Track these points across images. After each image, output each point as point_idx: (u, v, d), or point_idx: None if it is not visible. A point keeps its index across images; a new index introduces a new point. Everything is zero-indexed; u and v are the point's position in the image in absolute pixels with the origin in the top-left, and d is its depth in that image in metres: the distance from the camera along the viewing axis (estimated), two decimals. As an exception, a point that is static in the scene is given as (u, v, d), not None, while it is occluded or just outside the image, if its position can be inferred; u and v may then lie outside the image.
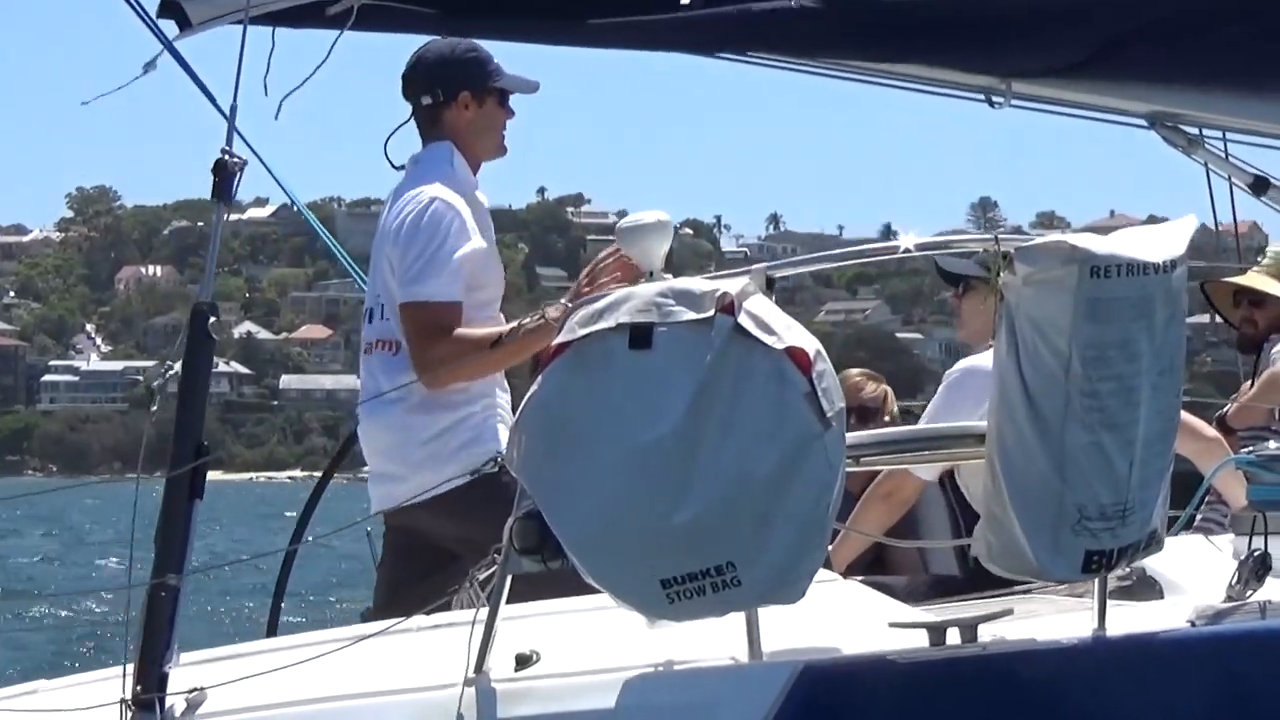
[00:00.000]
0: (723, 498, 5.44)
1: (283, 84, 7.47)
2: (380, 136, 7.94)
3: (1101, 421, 5.63)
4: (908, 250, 6.43)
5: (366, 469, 7.86)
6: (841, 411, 5.54)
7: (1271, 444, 7.29)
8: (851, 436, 5.78)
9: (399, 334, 7.59)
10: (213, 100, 7.80)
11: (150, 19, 8.21)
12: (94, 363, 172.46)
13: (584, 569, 5.64)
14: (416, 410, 7.57)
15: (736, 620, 5.68)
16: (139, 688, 6.20)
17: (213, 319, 6.63)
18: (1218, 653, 6.24)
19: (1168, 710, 6.11)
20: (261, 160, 7.61)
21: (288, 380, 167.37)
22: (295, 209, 9.26)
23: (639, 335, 5.51)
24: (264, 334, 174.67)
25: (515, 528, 5.76)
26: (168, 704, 6.22)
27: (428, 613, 6.40)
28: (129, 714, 6.18)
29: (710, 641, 5.78)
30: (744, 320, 5.46)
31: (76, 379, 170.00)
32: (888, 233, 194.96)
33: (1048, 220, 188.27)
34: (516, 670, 5.91)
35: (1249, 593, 6.37)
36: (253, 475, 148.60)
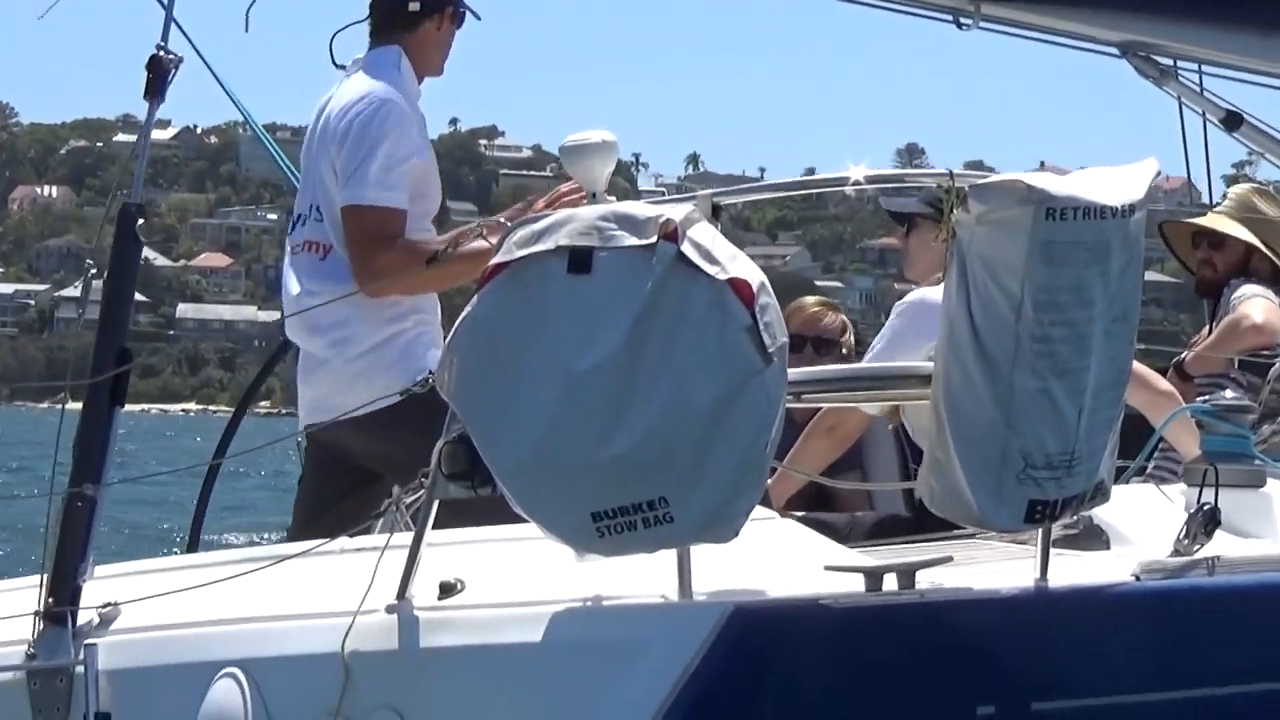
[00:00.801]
0: (658, 430, 5.34)
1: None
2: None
3: (1051, 368, 5.51)
4: (858, 182, 6.42)
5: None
6: (784, 346, 5.39)
7: (1228, 393, 7.30)
8: (793, 373, 5.62)
9: (332, 237, 7.52)
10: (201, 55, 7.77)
11: None
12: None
13: (512, 498, 5.52)
14: (348, 323, 7.51)
15: (668, 557, 5.57)
16: (51, 600, 6.26)
17: (140, 220, 6.81)
18: (1161, 608, 6.20)
19: (1108, 665, 6.01)
20: (204, 59, 7.53)
21: (184, 309, 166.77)
22: (242, 125, 9.09)
23: (578, 259, 5.41)
24: (161, 260, 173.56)
25: (444, 451, 5.66)
26: (80, 618, 6.26)
27: (351, 535, 6.34)
28: (39, 626, 6.22)
29: (640, 578, 5.67)
30: (687, 248, 5.34)
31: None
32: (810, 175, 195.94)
33: (975, 167, 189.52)
34: (440, 598, 5.85)
35: (1196, 547, 6.29)
36: (146, 407, 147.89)
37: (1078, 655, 6.03)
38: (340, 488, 7.73)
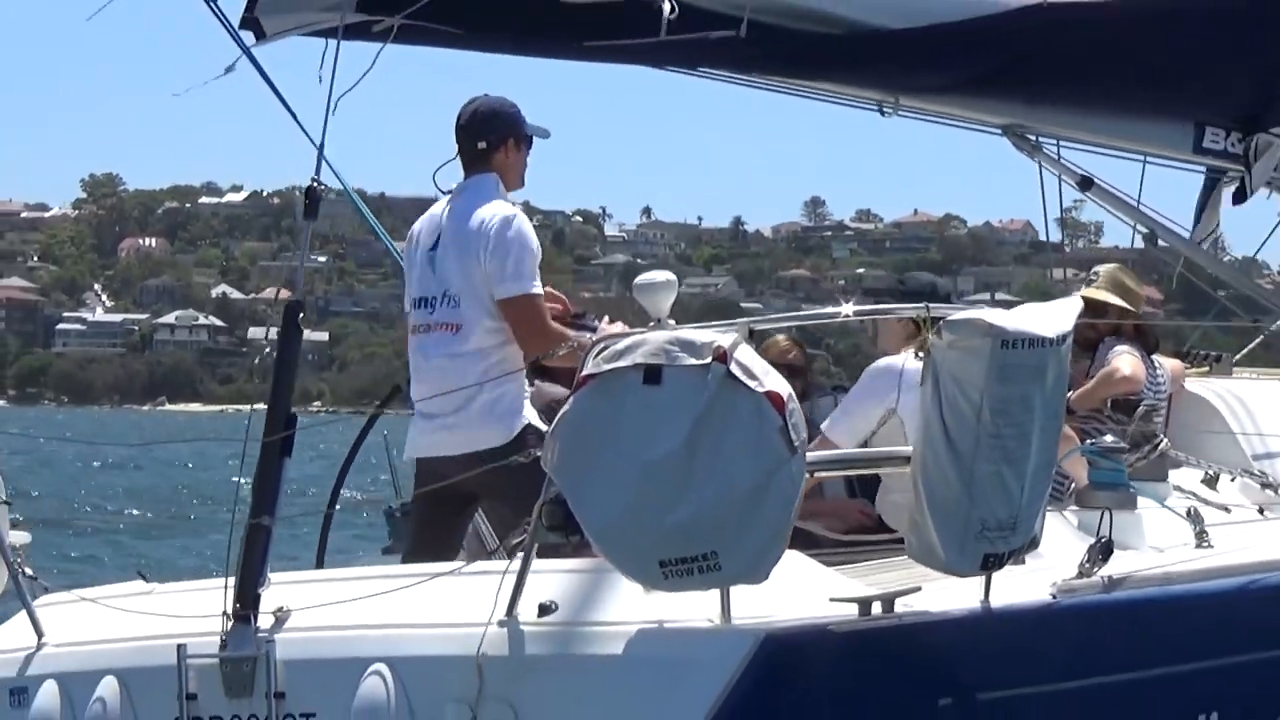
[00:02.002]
0: (711, 503, 5.70)
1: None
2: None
3: (1003, 457, 5.90)
4: (848, 315, 6.57)
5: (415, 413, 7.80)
6: (804, 440, 5.72)
7: (1108, 437, 7.49)
8: (811, 456, 6.08)
9: (463, 318, 7.58)
10: (290, 110, 7.72)
11: (232, 28, 8.14)
12: (99, 315, 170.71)
13: (599, 549, 5.87)
14: (482, 377, 7.55)
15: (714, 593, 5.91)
16: (238, 604, 6.36)
17: (301, 314, 6.79)
18: (1073, 618, 6.52)
19: (1035, 662, 6.39)
20: (346, 187, 7.54)
21: (254, 331, 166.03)
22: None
23: (651, 374, 5.80)
24: (236, 294, 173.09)
25: (545, 510, 6.01)
26: (260, 619, 6.36)
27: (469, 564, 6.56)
28: (229, 624, 6.33)
29: (689, 606, 5.97)
30: (734, 368, 5.75)
31: (85, 328, 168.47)
32: (738, 223, 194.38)
33: (864, 215, 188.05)
34: (539, 616, 6.10)
35: (1096, 570, 6.63)
36: (224, 407, 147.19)
37: (1012, 656, 6.40)
38: (450, 514, 7.70)
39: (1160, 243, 10.49)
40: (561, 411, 5.89)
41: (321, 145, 6.84)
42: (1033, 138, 10.03)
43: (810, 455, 5.97)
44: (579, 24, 8.64)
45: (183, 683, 6.32)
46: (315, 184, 6.80)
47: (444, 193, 7.86)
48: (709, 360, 5.68)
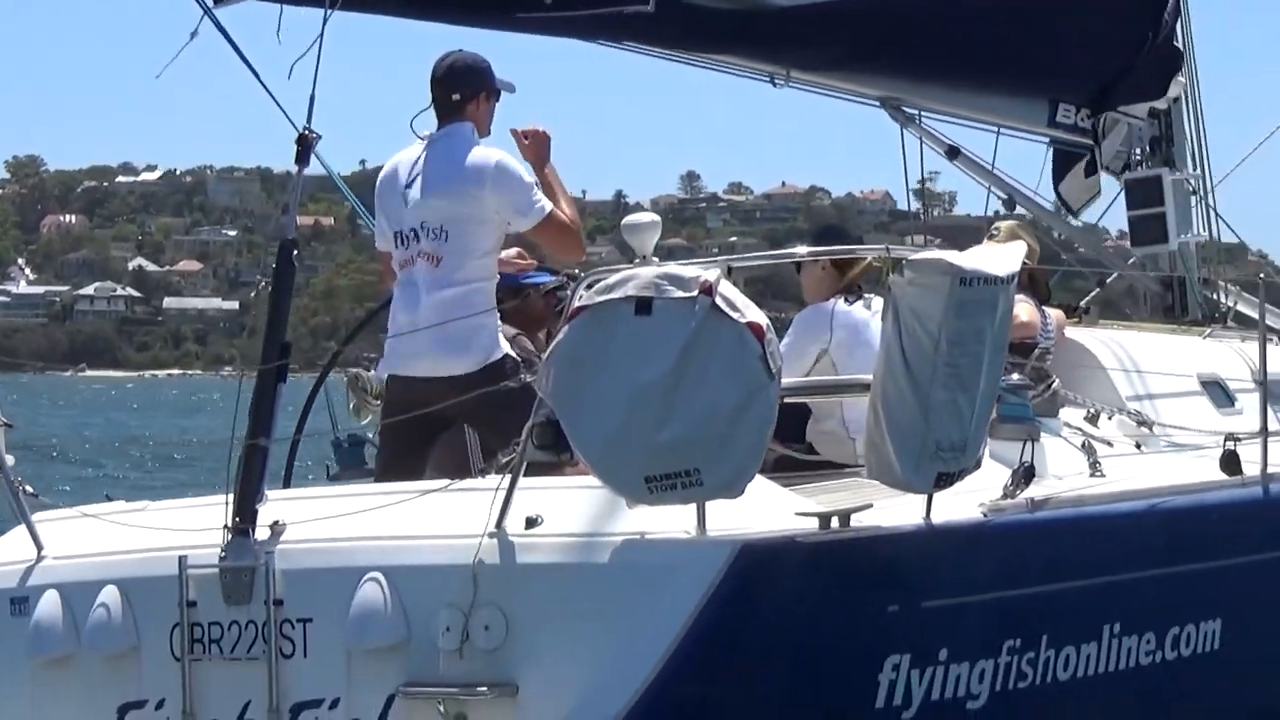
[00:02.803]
0: (695, 423, 5.73)
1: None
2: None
3: (957, 384, 5.99)
4: (805, 257, 6.57)
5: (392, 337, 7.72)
6: (781, 367, 5.77)
7: (1015, 376, 7.60)
8: (786, 382, 6.11)
9: (446, 251, 7.51)
10: (256, 74, 7.62)
11: None
12: (23, 287, 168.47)
13: (589, 465, 5.88)
14: (462, 306, 7.47)
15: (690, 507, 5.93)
16: (237, 518, 6.32)
17: (295, 253, 6.68)
18: (1001, 534, 6.65)
19: (970, 573, 6.51)
20: (321, 161, 7.46)
21: (169, 302, 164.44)
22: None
23: (642, 305, 5.85)
24: (151, 266, 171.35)
25: (535, 430, 5.95)
26: (258, 532, 6.32)
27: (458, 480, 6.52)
28: (228, 537, 6.30)
29: (665, 518, 5.98)
30: (719, 300, 5.79)
31: (9, 299, 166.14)
32: (620, 196, 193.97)
33: (736, 188, 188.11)
34: (526, 529, 6.10)
35: (1019, 492, 6.73)
36: (141, 373, 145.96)
37: (950, 567, 6.49)
38: (423, 435, 7.57)
39: (1017, 209, 10.79)
40: (555, 339, 5.89)
41: (312, 99, 6.75)
42: (906, 110, 10.22)
43: (785, 381, 6.00)
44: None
45: (184, 590, 6.28)
46: (307, 131, 6.72)
47: (421, 137, 7.75)
48: (696, 293, 5.71)
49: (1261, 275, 9.23)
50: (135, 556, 6.54)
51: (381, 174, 7.82)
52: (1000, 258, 6.02)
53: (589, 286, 5.88)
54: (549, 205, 7.55)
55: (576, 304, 5.84)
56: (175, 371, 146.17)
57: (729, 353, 5.68)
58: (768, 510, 6.14)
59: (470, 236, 7.47)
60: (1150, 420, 8.26)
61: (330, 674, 6.18)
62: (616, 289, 5.79)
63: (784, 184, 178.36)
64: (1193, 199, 10.71)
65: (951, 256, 5.92)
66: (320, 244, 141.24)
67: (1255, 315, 10.50)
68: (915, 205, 12.27)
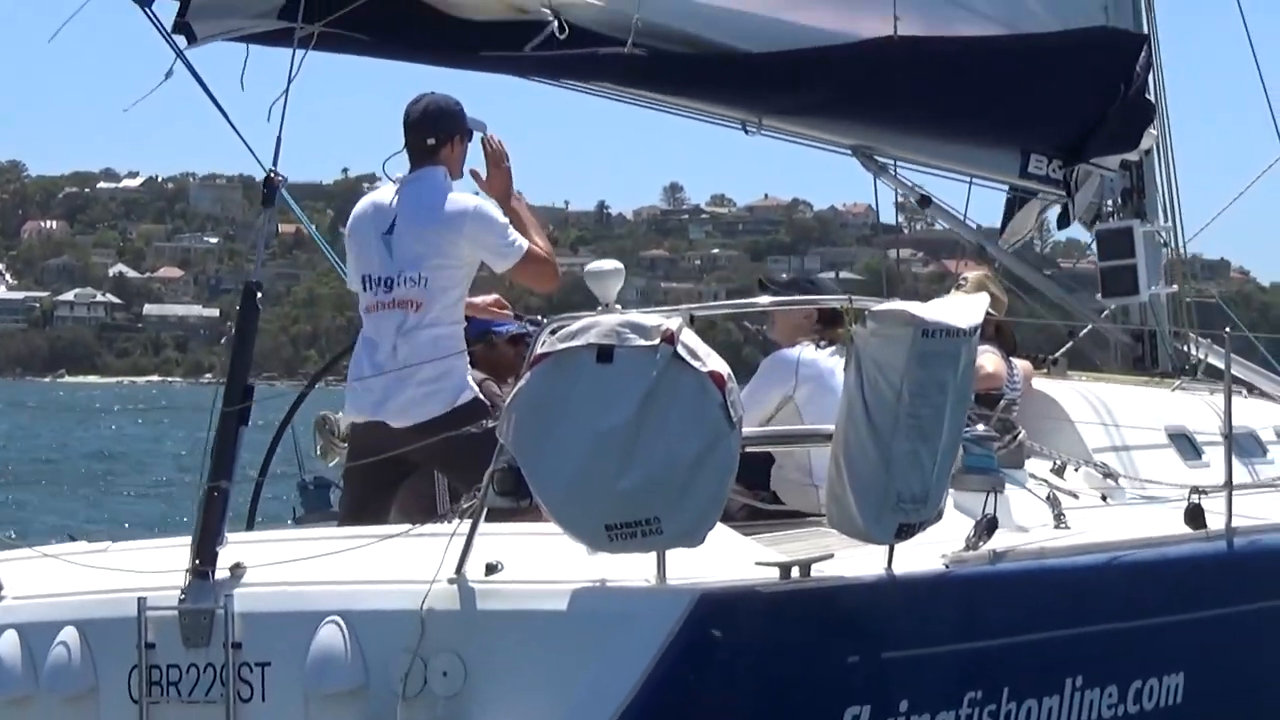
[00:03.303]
0: (655, 472, 5.72)
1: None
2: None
3: (919, 436, 5.96)
4: (769, 307, 6.59)
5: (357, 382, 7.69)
6: (742, 416, 5.74)
7: (980, 427, 7.57)
8: (746, 431, 6.10)
9: (426, 296, 7.50)
10: (224, 113, 7.70)
11: (166, 32, 8.06)
12: (2, 292, 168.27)
13: (550, 513, 5.84)
14: (436, 351, 7.50)
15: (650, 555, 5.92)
16: (197, 560, 6.29)
17: (259, 294, 6.67)
18: (962, 586, 6.63)
19: (930, 625, 6.47)
20: (288, 199, 7.44)
21: (149, 308, 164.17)
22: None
23: (604, 353, 5.83)
24: (132, 273, 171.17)
25: (496, 475, 5.94)
26: (218, 574, 6.30)
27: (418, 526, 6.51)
28: (188, 579, 6.28)
29: (625, 566, 5.97)
30: (680, 349, 5.77)
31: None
32: (602, 207, 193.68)
33: (719, 199, 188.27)
34: (486, 575, 6.08)
35: (982, 544, 6.71)
36: (121, 379, 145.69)
37: (912, 619, 6.46)
38: (388, 479, 7.56)
39: (989, 252, 10.82)
40: (517, 386, 5.87)
41: (278, 141, 6.76)
42: (878, 159, 10.23)
43: (747, 431, 5.99)
44: (476, 39, 8.72)
45: (142, 634, 6.26)
46: (272, 175, 6.72)
47: (392, 180, 7.76)
48: (658, 341, 5.70)
49: (1227, 330, 9.22)
50: (95, 598, 6.50)
51: (353, 216, 7.80)
52: (963, 310, 6.00)
53: (552, 333, 5.86)
54: (524, 243, 7.59)
55: (539, 351, 5.82)
56: (155, 378, 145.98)
57: (690, 401, 5.66)
58: (729, 559, 6.11)
59: (448, 281, 7.50)
60: (1116, 473, 8.26)
61: (288, 718, 6.13)
62: (578, 336, 5.77)
63: (766, 196, 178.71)
64: (1164, 251, 10.71)
65: (914, 308, 5.92)
66: (302, 252, 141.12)
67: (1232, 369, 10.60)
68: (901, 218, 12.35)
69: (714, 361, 5.73)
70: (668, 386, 5.66)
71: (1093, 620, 7.06)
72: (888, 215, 10.81)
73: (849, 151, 10.18)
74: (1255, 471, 9.33)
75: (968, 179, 10.56)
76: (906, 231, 11.10)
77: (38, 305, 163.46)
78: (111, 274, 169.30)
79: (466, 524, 6.06)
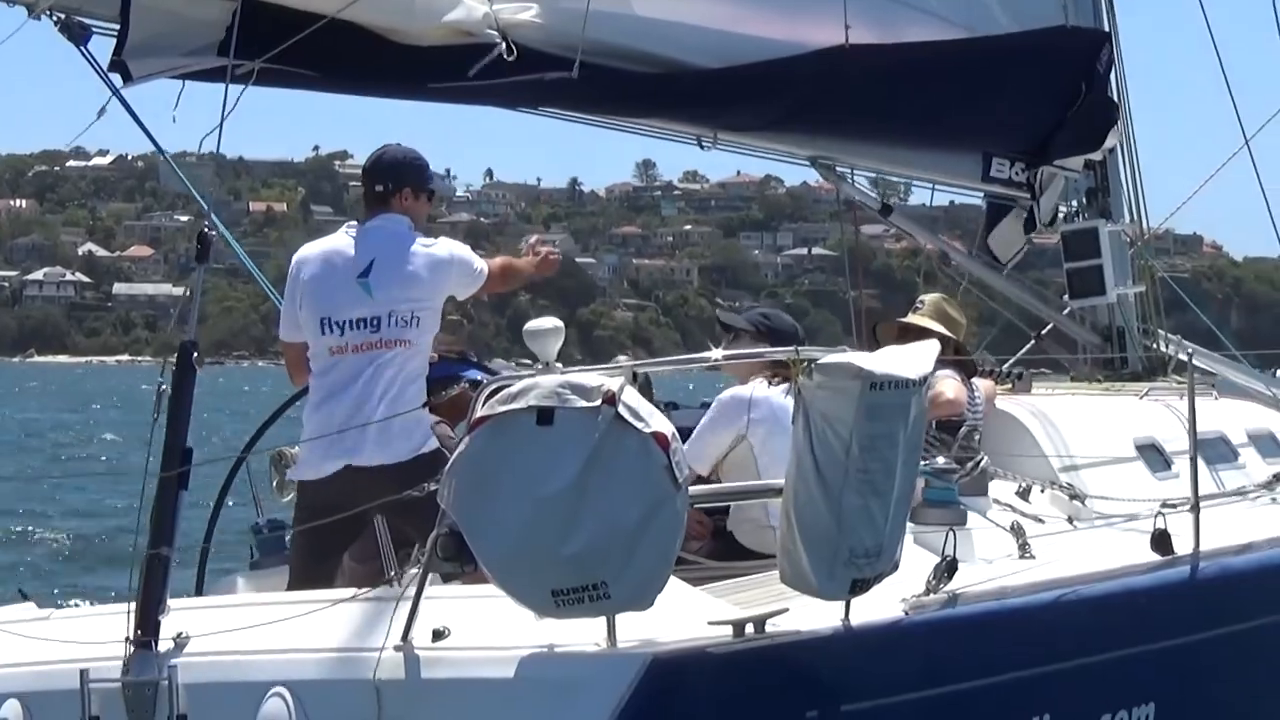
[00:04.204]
0: (600, 536, 5.58)
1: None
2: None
3: (870, 490, 5.82)
4: (719, 360, 6.50)
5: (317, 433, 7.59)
6: (689, 476, 5.62)
7: (940, 459, 7.45)
8: (694, 490, 6.00)
9: (415, 336, 7.47)
10: (160, 149, 7.59)
11: (102, 71, 7.99)
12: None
13: (494, 580, 5.71)
14: (417, 392, 7.49)
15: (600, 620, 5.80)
16: (139, 631, 6.15)
17: (195, 354, 6.49)
18: (923, 632, 6.49)
19: (891, 674, 6.34)
20: (228, 237, 7.36)
21: (119, 287, 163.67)
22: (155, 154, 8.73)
23: (544, 415, 5.67)
24: (102, 252, 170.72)
25: (440, 541, 5.83)
26: (161, 645, 6.15)
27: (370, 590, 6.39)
28: (130, 650, 6.13)
29: (576, 629, 5.85)
30: (622, 409, 5.65)
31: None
32: (575, 184, 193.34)
33: (691, 176, 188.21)
34: (433, 641, 5.96)
35: (942, 586, 6.60)
36: (90, 359, 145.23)
37: (870, 669, 6.32)
38: (339, 539, 7.47)
39: (952, 260, 10.73)
40: (457, 451, 5.73)
41: (210, 198, 6.68)
42: (837, 169, 10.15)
43: (693, 490, 5.87)
44: (423, 66, 8.61)
45: (85, 706, 6.08)
46: (206, 230, 6.63)
47: (347, 226, 7.75)
48: (599, 403, 5.58)
49: (1190, 354, 9.10)
50: (37, 669, 6.40)
51: (305, 261, 7.65)
52: (912, 359, 5.85)
53: (491, 394, 5.72)
54: (483, 265, 7.68)
55: (479, 414, 5.69)
56: (125, 358, 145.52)
57: (633, 464, 5.54)
58: (681, 616, 5.98)
59: (433, 323, 7.53)
60: (1083, 493, 8.13)
61: None
62: (519, 398, 5.63)
63: (739, 173, 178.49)
64: (1129, 249, 10.65)
65: (861, 360, 5.77)
66: (273, 229, 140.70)
67: (1199, 365, 10.50)
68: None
69: (657, 421, 5.61)
70: (610, 449, 5.53)
71: (1058, 658, 6.93)
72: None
73: (807, 162, 10.12)
74: (1226, 479, 9.23)
75: (930, 184, 10.51)
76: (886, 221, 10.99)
77: (7, 285, 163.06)
78: (81, 253, 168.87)
79: (413, 588, 5.92)
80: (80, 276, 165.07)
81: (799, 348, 5.92)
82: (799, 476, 5.81)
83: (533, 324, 6.48)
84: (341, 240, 7.63)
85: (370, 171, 7.71)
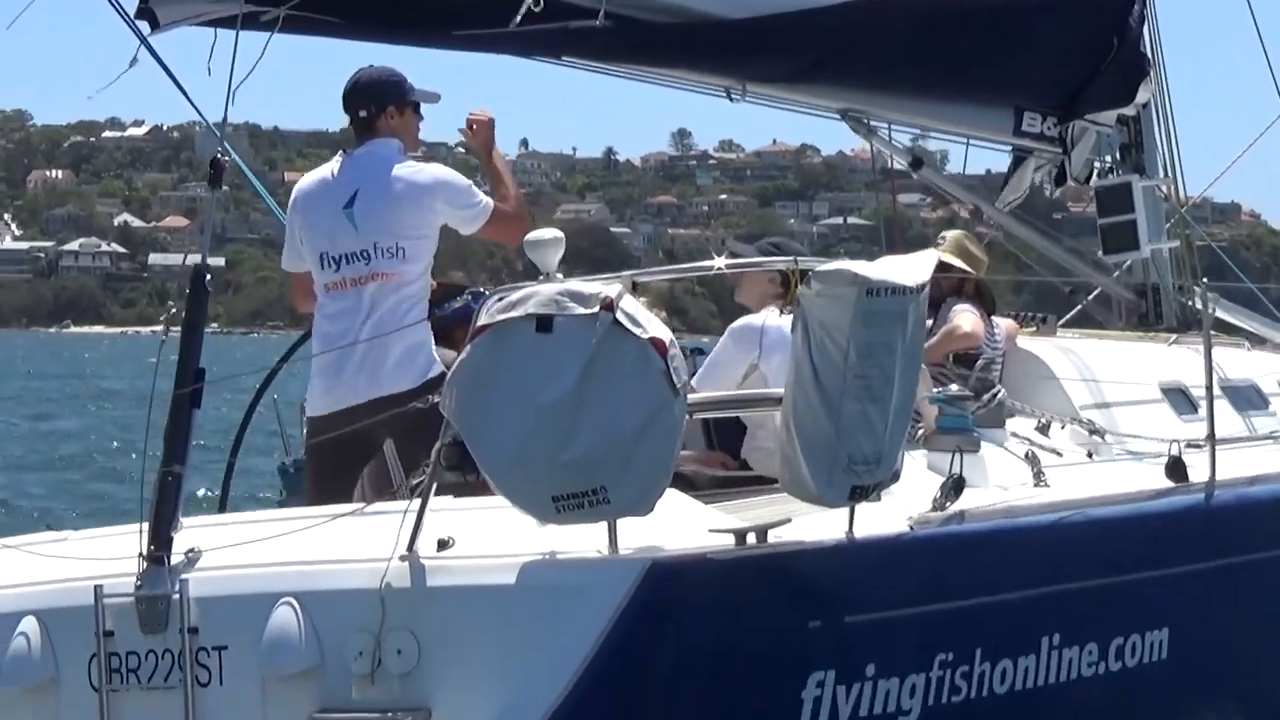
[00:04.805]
0: (599, 441, 5.66)
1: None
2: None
3: (868, 396, 5.88)
4: (720, 269, 6.56)
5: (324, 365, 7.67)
6: (686, 383, 5.69)
7: (954, 386, 7.49)
8: (692, 398, 6.08)
9: (403, 268, 7.54)
10: (186, 95, 7.66)
11: (129, 19, 8.07)
12: (7, 243, 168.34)
13: (496, 486, 5.78)
14: (406, 333, 7.54)
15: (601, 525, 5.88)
16: (152, 547, 6.27)
17: (209, 276, 6.69)
18: (928, 548, 6.56)
19: (894, 587, 6.40)
20: (239, 161, 7.44)
21: (155, 258, 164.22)
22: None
23: (543, 323, 5.75)
24: (138, 222, 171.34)
25: (443, 451, 5.89)
26: (173, 560, 6.28)
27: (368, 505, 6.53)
28: (143, 565, 6.26)
29: (578, 537, 5.93)
30: (620, 316, 5.71)
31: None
32: (610, 153, 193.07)
33: (727, 145, 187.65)
34: (438, 551, 6.04)
35: (949, 504, 6.65)
36: (126, 329, 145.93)
37: (874, 582, 6.38)
38: (349, 463, 7.62)
39: (984, 215, 10.73)
40: (459, 359, 5.82)
41: (224, 122, 6.76)
42: (867, 121, 10.12)
43: (691, 397, 5.94)
44: (448, 15, 8.66)
45: (100, 621, 6.25)
46: (219, 157, 6.70)
47: (346, 153, 7.77)
48: (597, 309, 5.65)
49: (1204, 280, 9.09)
50: (53, 587, 6.50)
51: (300, 193, 7.76)
52: (909, 267, 5.91)
53: (492, 306, 5.79)
54: (489, 202, 7.61)
55: (479, 323, 5.77)
56: (159, 328, 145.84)
57: (630, 369, 5.61)
58: (685, 527, 6.07)
59: (421, 252, 7.53)
60: (1103, 429, 8.15)
61: (246, 702, 6.14)
62: (517, 307, 5.71)
63: (775, 141, 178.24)
64: (1164, 205, 10.60)
65: (858, 267, 5.83)
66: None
67: (1233, 321, 10.51)
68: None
69: (655, 328, 5.68)
70: (608, 355, 5.61)
71: (1067, 578, 6.98)
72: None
73: (837, 115, 10.09)
74: (1255, 424, 9.25)
75: (965, 139, 10.40)
76: (915, 177, 11.01)
77: (43, 255, 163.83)
78: (117, 223, 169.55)
79: (418, 501, 6.00)
80: (116, 247, 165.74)
81: (797, 258, 5.97)
82: (798, 385, 5.87)
83: (533, 234, 6.55)
84: (330, 170, 7.69)
85: (349, 98, 7.72)
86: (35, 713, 6.43)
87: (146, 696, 6.24)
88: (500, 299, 5.80)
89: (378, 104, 7.68)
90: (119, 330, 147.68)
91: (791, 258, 6.02)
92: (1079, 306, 10.82)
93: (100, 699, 6.28)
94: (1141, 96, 10.44)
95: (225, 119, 6.76)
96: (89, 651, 6.29)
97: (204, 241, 6.86)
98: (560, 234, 6.56)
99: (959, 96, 10.16)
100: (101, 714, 6.28)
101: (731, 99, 9.69)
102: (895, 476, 6.11)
